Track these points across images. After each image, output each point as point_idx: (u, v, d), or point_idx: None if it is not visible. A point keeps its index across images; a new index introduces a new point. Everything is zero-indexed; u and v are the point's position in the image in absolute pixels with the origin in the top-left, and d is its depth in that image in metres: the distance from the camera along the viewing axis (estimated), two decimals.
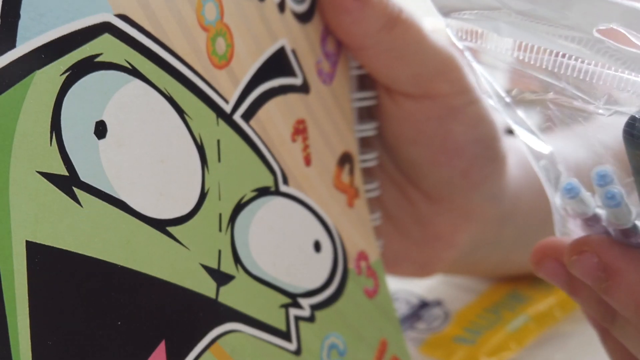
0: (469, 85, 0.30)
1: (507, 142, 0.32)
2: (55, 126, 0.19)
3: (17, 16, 0.18)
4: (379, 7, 0.27)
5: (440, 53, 0.29)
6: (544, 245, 0.27)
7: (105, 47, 0.20)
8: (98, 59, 0.20)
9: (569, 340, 0.37)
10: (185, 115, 0.22)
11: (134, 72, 0.21)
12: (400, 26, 0.28)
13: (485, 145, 0.31)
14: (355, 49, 0.28)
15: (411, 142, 0.31)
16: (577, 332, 0.38)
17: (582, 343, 0.37)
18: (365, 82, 0.31)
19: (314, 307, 0.27)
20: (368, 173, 0.32)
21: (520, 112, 0.27)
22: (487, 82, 0.26)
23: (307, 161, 0.27)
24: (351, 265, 0.29)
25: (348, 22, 0.27)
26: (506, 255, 0.38)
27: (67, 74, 0.19)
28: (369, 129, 0.31)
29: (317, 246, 0.27)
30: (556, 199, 0.27)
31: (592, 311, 0.26)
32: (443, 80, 0.29)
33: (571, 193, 0.25)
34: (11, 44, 0.18)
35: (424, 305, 0.39)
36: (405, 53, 0.28)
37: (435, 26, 0.28)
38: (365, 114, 0.31)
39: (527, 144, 0.28)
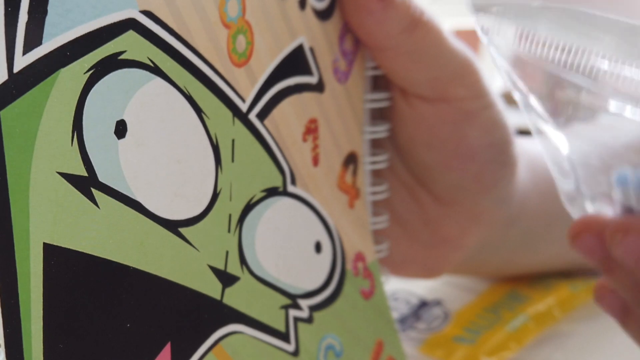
0: (485, 89, 0.30)
1: (517, 144, 0.32)
2: (77, 126, 0.18)
3: (45, 12, 0.17)
4: (402, 8, 0.27)
5: (459, 57, 0.29)
6: (585, 220, 0.26)
7: (129, 44, 0.19)
8: (122, 57, 0.19)
9: (568, 339, 0.37)
10: (203, 115, 0.22)
11: (156, 71, 0.20)
12: (421, 28, 0.27)
13: (498, 149, 0.31)
14: (375, 49, 0.28)
15: (425, 146, 0.30)
16: (576, 332, 0.38)
17: (581, 343, 0.37)
18: (379, 83, 0.30)
19: (313, 308, 0.27)
20: (377, 175, 0.31)
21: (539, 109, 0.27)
22: (509, 79, 0.26)
23: (315, 161, 0.27)
24: (349, 266, 0.29)
25: (370, 23, 0.27)
26: (510, 257, 0.38)
27: (90, 72, 0.18)
28: (381, 131, 0.30)
29: (318, 247, 0.27)
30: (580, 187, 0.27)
31: (625, 293, 0.26)
32: (460, 84, 0.29)
33: (624, 183, 0.24)
34: (37, 41, 0.17)
35: (423, 305, 0.39)
36: (424, 56, 0.28)
37: (453, 27, 0.28)
38: (378, 116, 0.31)
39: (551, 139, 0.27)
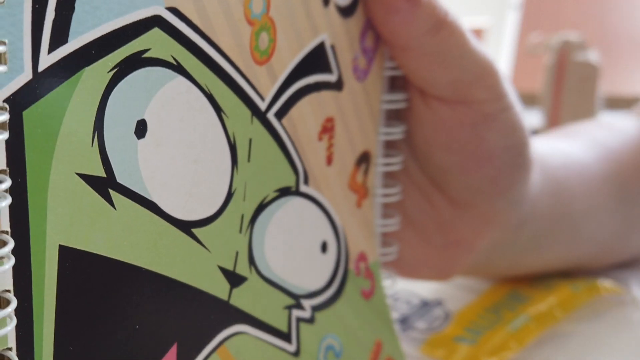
0: (504, 91, 0.29)
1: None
2: (99, 126, 0.18)
3: (72, 9, 0.17)
4: (428, 8, 0.26)
5: (480, 59, 0.28)
6: None
7: (154, 42, 0.19)
8: (145, 55, 0.19)
9: (570, 340, 0.37)
10: (222, 114, 0.22)
11: (179, 69, 0.20)
12: (445, 30, 0.27)
13: (515, 152, 0.31)
14: (398, 49, 0.28)
15: (443, 148, 0.30)
16: (577, 332, 0.38)
17: (582, 343, 0.37)
18: (396, 83, 0.30)
19: (315, 308, 0.27)
20: (391, 177, 0.31)
21: None
22: None
23: (329, 160, 0.27)
24: (351, 266, 0.29)
25: (396, 22, 0.26)
26: (518, 258, 0.38)
27: (114, 70, 0.18)
28: (396, 132, 0.30)
29: (324, 247, 0.27)
30: None
31: None
32: (480, 86, 0.29)
33: None
34: (64, 39, 0.17)
35: (424, 305, 0.39)
36: (447, 57, 0.28)
37: (471, 25, 0.28)
38: (393, 117, 0.31)
39: None
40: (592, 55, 0.84)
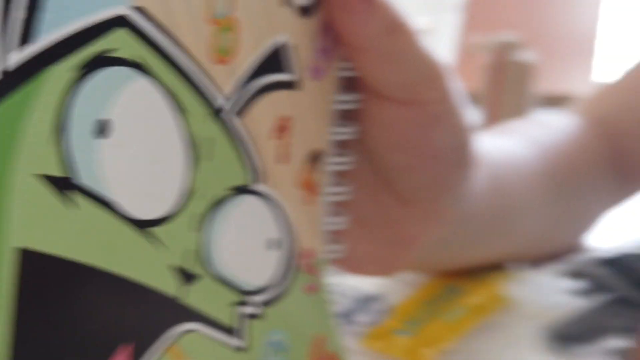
0: (452, 93, 0.30)
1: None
2: (62, 125, 0.18)
3: (42, 8, 0.17)
4: (383, 10, 0.27)
5: (430, 60, 0.29)
6: None
7: (119, 41, 0.19)
8: (111, 55, 0.19)
9: (504, 330, 0.39)
10: (183, 113, 0.22)
11: (142, 68, 0.20)
12: (398, 31, 0.27)
13: (461, 151, 0.32)
14: (354, 49, 0.28)
15: (393, 148, 0.31)
16: (509, 323, 0.40)
17: (514, 333, 0.39)
18: (346, 85, 0.30)
19: (263, 304, 0.27)
20: (340, 176, 0.31)
21: None
22: None
23: (283, 159, 0.27)
24: (299, 262, 0.29)
25: (355, 22, 0.27)
26: (459, 253, 0.39)
27: (79, 70, 0.18)
28: (347, 132, 0.30)
29: (275, 243, 0.28)
30: None
31: None
32: (430, 87, 0.29)
33: None
34: (33, 37, 0.16)
35: (366, 299, 0.40)
36: (400, 59, 0.28)
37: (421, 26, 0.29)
38: (345, 117, 0.31)
39: None
40: (529, 55, 0.87)
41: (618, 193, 0.49)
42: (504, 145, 0.42)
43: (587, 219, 0.49)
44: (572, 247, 0.50)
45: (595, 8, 1.81)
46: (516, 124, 0.49)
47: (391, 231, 0.33)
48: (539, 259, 0.47)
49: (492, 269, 0.44)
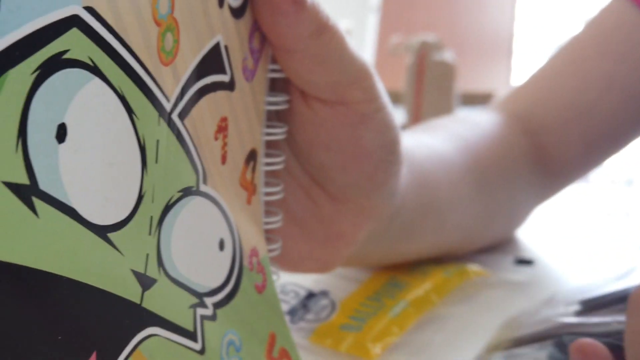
0: (379, 92, 0.31)
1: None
2: (22, 130, 0.17)
3: None
4: (312, 12, 0.27)
5: (357, 62, 0.30)
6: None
7: (72, 42, 0.19)
8: (65, 56, 0.18)
9: (447, 322, 0.40)
10: (133, 116, 0.22)
11: (95, 70, 0.20)
12: (327, 33, 0.28)
13: (389, 149, 0.33)
14: (282, 51, 0.28)
15: (323, 147, 0.32)
16: (453, 315, 0.41)
17: (458, 324, 0.40)
18: (276, 85, 0.31)
19: (216, 306, 0.27)
20: (273, 175, 0.32)
21: None
22: None
23: (224, 159, 0.28)
24: (245, 262, 0.29)
25: (282, 25, 0.27)
26: (391, 247, 0.40)
27: (37, 72, 0.17)
28: (278, 133, 0.31)
29: (222, 244, 0.28)
30: None
31: None
32: (358, 88, 0.30)
33: None
34: None
35: (311, 296, 0.41)
36: (328, 60, 0.29)
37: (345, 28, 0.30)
38: (274, 118, 0.31)
39: None
40: (448, 55, 0.89)
41: (543, 187, 0.51)
42: (427, 142, 0.43)
43: (514, 213, 0.51)
44: (503, 241, 0.52)
45: (511, 8, 1.87)
46: (439, 122, 0.51)
47: (326, 228, 0.34)
48: (471, 251, 0.49)
49: (430, 262, 0.45)
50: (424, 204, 0.40)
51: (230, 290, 0.28)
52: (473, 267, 0.46)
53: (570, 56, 0.51)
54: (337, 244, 0.34)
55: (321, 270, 0.35)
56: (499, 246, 0.51)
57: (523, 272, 0.47)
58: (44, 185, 0.18)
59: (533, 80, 0.53)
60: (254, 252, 0.30)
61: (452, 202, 0.43)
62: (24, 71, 0.17)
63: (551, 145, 0.50)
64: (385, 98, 0.32)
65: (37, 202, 0.18)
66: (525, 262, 0.49)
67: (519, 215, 0.51)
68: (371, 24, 1.62)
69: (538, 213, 0.54)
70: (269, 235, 0.32)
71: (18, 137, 0.17)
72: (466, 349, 0.37)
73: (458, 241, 0.46)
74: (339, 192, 0.33)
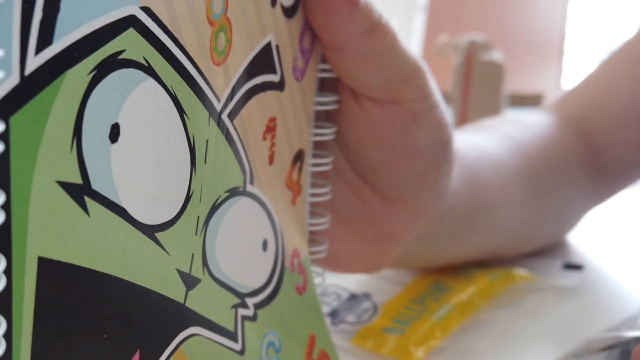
0: (431, 90, 0.31)
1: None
2: (77, 131, 0.17)
3: (58, 9, 0.16)
4: (365, 11, 0.27)
5: (409, 59, 0.29)
6: None
7: (129, 42, 0.19)
8: (121, 56, 0.18)
9: (491, 327, 0.39)
10: (184, 116, 0.21)
11: (149, 70, 0.19)
12: (380, 32, 0.28)
13: (442, 148, 0.32)
14: (334, 50, 0.28)
15: (375, 147, 0.31)
16: (498, 319, 0.40)
17: (503, 329, 0.39)
18: (323, 85, 0.30)
19: (257, 306, 0.27)
20: (321, 176, 0.32)
21: None
22: None
23: (271, 160, 0.27)
24: (287, 263, 0.29)
25: (336, 23, 0.27)
26: (440, 249, 0.39)
27: (93, 73, 0.17)
28: (327, 134, 0.31)
29: (265, 245, 0.28)
30: None
31: None
32: (410, 86, 0.30)
33: None
34: (49, 40, 0.16)
35: (353, 298, 0.40)
36: (380, 58, 0.28)
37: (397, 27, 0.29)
38: (323, 118, 0.31)
39: None
40: (497, 55, 0.88)
41: (596, 191, 0.50)
42: (478, 142, 0.43)
43: (566, 217, 0.50)
44: (553, 245, 0.51)
45: (563, 7, 1.84)
46: (490, 122, 0.50)
47: (375, 228, 0.33)
48: (519, 256, 0.48)
49: (475, 266, 0.44)
50: (473, 205, 0.39)
51: (271, 291, 0.28)
52: (519, 271, 0.45)
53: (626, 57, 0.50)
54: (386, 244, 0.33)
55: (369, 270, 0.35)
56: (547, 250, 0.50)
57: (572, 277, 0.46)
58: (96, 184, 0.18)
59: (587, 81, 0.51)
60: (296, 253, 0.30)
61: (502, 204, 0.42)
62: (81, 72, 0.17)
63: (605, 148, 0.49)
64: (438, 96, 0.31)
65: (89, 201, 0.18)
66: (574, 267, 0.48)
67: (570, 219, 0.50)
68: (418, 23, 1.61)
69: (590, 217, 0.52)
70: (316, 237, 0.32)
71: (73, 137, 0.17)
72: (511, 355, 0.36)
73: (506, 244, 0.45)
74: (390, 191, 0.32)
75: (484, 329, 0.39)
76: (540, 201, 0.45)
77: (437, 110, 0.31)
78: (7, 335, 0.16)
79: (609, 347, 0.33)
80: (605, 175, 0.50)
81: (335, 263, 0.34)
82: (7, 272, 0.16)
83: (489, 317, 0.40)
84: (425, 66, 0.30)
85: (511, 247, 0.46)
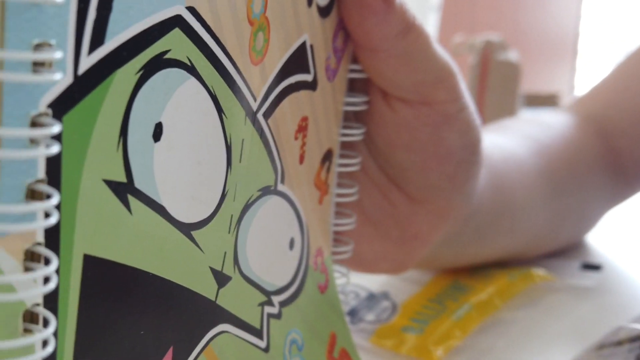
0: (462, 92, 0.31)
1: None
2: (124, 129, 0.17)
3: (110, 9, 0.16)
4: (400, 12, 0.27)
5: (441, 61, 0.29)
6: None
7: (174, 42, 0.19)
8: (166, 56, 0.19)
9: (510, 326, 0.39)
10: (223, 115, 0.22)
11: (192, 70, 0.20)
12: (413, 33, 0.28)
13: (471, 150, 0.32)
14: (367, 50, 0.28)
15: (404, 148, 0.31)
16: (516, 319, 0.40)
17: (522, 329, 0.39)
18: (352, 86, 0.30)
19: (282, 304, 0.27)
20: (349, 176, 0.32)
21: None
22: None
23: (302, 159, 0.27)
24: (310, 262, 0.29)
25: (371, 23, 0.27)
26: (464, 250, 0.39)
27: (140, 72, 0.18)
28: (356, 134, 0.31)
29: (292, 244, 0.28)
30: None
31: None
32: (442, 87, 0.30)
33: None
34: (101, 40, 0.16)
35: (372, 297, 0.40)
36: (413, 60, 0.28)
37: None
38: (352, 118, 0.31)
39: None
40: (513, 55, 0.87)
41: (615, 191, 0.50)
42: (500, 143, 0.42)
43: (586, 218, 0.49)
44: (572, 245, 0.51)
45: (577, 7, 1.83)
46: (510, 122, 0.50)
47: (402, 229, 0.33)
48: (538, 256, 0.47)
49: (494, 265, 0.44)
50: (498, 207, 0.39)
51: (295, 290, 0.28)
52: (538, 271, 0.45)
53: None
54: (412, 245, 0.33)
55: (395, 271, 0.34)
56: (566, 250, 0.50)
57: (590, 278, 0.46)
58: (139, 183, 0.18)
59: (606, 82, 0.51)
60: (319, 252, 0.30)
61: (525, 205, 0.42)
62: (130, 71, 0.17)
63: (625, 148, 0.49)
64: (468, 97, 0.31)
65: (131, 199, 0.18)
66: (592, 267, 0.48)
67: (590, 219, 0.50)
68: (432, 23, 1.61)
69: (608, 217, 0.52)
70: (341, 237, 0.32)
71: (120, 135, 0.17)
72: (530, 355, 0.36)
73: (528, 245, 0.45)
74: (418, 192, 0.32)
75: (503, 328, 0.39)
76: (561, 202, 0.45)
77: (467, 112, 0.31)
78: (57, 333, 0.17)
79: (633, 340, 0.33)
80: (625, 175, 0.49)
81: (361, 263, 0.34)
82: (57, 270, 0.16)
83: (508, 317, 0.40)
84: (456, 67, 0.30)
85: (531, 248, 0.46)
